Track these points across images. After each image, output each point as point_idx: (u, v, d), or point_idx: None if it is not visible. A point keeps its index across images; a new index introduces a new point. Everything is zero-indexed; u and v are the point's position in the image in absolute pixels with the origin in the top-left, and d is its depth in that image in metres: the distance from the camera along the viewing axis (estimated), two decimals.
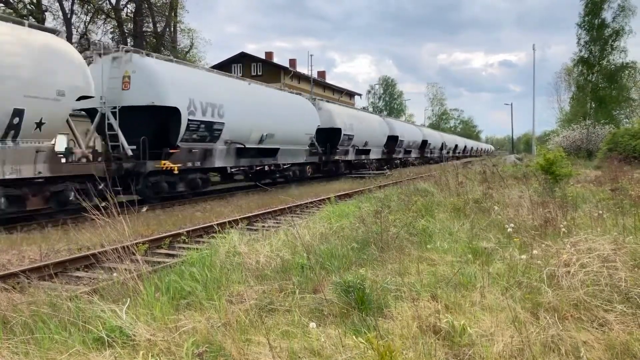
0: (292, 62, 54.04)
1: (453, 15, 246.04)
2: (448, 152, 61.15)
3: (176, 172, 14.18)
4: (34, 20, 26.13)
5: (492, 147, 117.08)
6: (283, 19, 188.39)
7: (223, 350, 3.18)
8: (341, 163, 27.91)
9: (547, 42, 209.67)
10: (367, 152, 31.65)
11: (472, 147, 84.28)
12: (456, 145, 69.26)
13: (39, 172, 10.53)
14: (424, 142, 47.53)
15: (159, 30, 35.37)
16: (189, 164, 14.76)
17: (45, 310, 4.07)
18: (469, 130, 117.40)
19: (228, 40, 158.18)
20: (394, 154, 37.41)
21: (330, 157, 25.97)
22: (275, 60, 52.55)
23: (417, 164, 42.93)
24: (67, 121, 11.53)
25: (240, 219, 10.39)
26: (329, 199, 12.83)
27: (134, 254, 4.99)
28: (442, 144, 57.80)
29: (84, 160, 12.08)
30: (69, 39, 31.04)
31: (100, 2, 34.21)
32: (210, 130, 15.24)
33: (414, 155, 44.63)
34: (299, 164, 22.63)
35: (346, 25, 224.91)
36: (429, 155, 50.15)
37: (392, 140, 35.99)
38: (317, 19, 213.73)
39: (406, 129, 42.64)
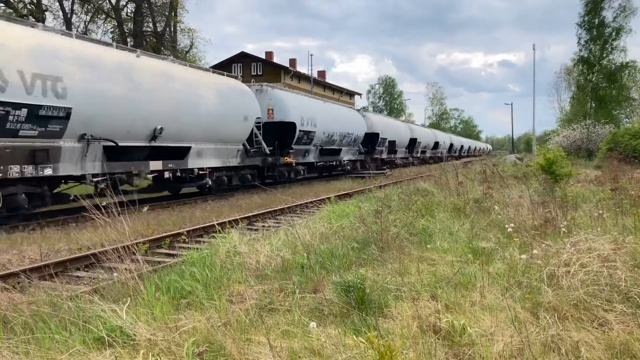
0: (292, 61, 54.03)
1: (451, 15, 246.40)
2: (442, 153, 55.47)
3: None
4: (34, 20, 26.15)
5: (490, 147, 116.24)
6: (282, 19, 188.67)
7: (223, 349, 3.18)
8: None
9: (546, 42, 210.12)
10: (337, 152, 26.49)
11: (469, 147, 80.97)
12: (451, 145, 62.92)
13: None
14: (413, 141, 41.67)
15: (159, 30, 35.36)
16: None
17: (46, 310, 4.07)
18: (469, 130, 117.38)
19: (227, 40, 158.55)
20: (374, 154, 32.07)
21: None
22: (275, 60, 52.56)
23: (403, 165, 37.75)
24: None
25: (240, 218, 10.40)
26: (329, 198, 12.84)
27: (134, 254, 4.99)
28: (436, 143, 52.35)
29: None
30: None
31: (100, 2, 34.22)
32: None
33: (428, 154, 43.81)
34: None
35: (345, 25, 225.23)
36: (418, 155, 44.76)
37: (372, 138, 31.27)
38: (316, 19, 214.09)
39: (390, 125, 36.72)
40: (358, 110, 32.31)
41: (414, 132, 42.63)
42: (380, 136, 32.13)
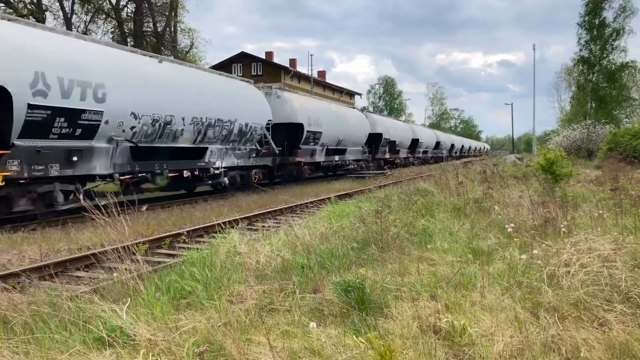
0: (292, 62, 54.08)
1: (451, 15, 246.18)
2: (423, 153, 51.32)
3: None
4: (34, 20, 26.15)
5: (488, 146, 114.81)
6: (281, 19, 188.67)
7: (223, 350, 3.18)
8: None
9: (545, 42, 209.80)
10: (342, 151, 25.41)
11: (463, 146, 73.06)
12: (452, 145, 60.96)
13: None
14: (415, 141, 41.16)
15: (159, 30, 35.38)
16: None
17: (46, 310, 4.07)
18: (469, 130, 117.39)
19: (227, 41, 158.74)
20: (377, 154, 31.52)
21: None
22: (275, 60, 52.60)
23: (406, 165, 36.45)
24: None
25: (240, 218, 10.39)
26: (329, 198, 12.85)
27: (134, 254, 4.99)
28: (437, 143, 51.15)
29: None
30: None
31: (100, 2, 34.24)
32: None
33: (402, 155, 38.27)
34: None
35: (344, 25, 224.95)
36: (419, 155, 43.80)
37: (375, 139, 30.57)
38: (315, 19, 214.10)
39: (392, 126, 35.82)
40: (363, 111, 26.93)
41: (417, 132, 36.42)
42: (383, 136, 27.25)
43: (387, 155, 33.60)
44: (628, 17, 38.22)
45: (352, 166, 27.29)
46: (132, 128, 12.36)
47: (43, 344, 3.35)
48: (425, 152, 45.31)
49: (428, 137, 47.21)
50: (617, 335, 3.24)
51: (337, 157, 25.33)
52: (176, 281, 4.69)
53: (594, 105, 40.53)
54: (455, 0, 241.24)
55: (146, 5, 33.90)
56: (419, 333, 3.32)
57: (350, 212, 9.49)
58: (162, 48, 33.63)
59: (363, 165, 28.93)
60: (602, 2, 38.61)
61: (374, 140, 30.25)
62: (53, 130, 10.40)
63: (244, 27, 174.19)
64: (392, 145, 34.33)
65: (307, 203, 14.15)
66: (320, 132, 22.27)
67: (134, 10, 34.49)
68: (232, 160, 16.91)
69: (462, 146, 71.93)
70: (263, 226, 10.27)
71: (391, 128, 34.14)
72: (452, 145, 61.13)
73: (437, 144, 50.93)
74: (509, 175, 14.91)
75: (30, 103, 9.74)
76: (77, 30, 32.91)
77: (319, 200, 14.65)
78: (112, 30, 35.73)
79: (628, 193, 8.46)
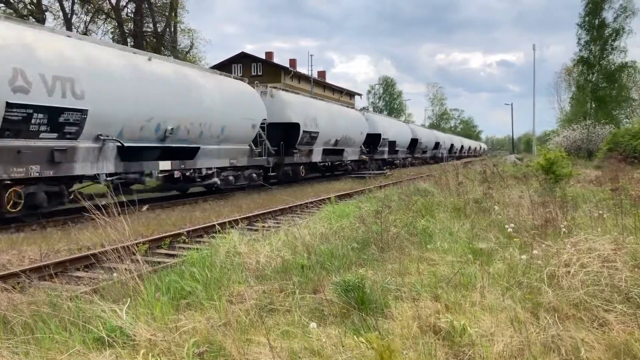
0: (292, 62, 54.09)
1: (450, 15, 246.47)
2: (442, 153, 51.26)
3: None
4: (34, 20, 26.16)
5: (485, 146, 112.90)
6: (280, 19, 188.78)
7: (223, 350, 3.18)
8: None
9: (545, 42, 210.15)
10: (340, 152, 23.58)
11: (462, 146, 68.81)
12: (437, 144, 51.18)
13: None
14: (414, 141, 38.47)
15: (159, 30, 35.38)
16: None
17: (46, 310, 4.07)
18: (469, 130, 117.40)
19: (226, 41, 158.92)
20: (375, 154, 30.11)
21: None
22: (275, 60, 52.59)
23: (407, 165, 35.24)
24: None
25: (240, 219, 10.39)
26: (329, 199, 12.84)
27: (134, 254, 4.99)
28: (436, 143, 49.24)
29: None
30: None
31: (100, 2, 34.24)
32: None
33: (401, 155, 35.78)
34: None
35: (344, 25, 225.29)
36: (419, 155, 41.20)
37: (374, 139, 29.42)
38: (315, 19, 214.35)
39: (391, 126, 34.13)
40: (361, 111, 27.82)
41: (416, 132, 35.02)
42: (382, 137, 29.81)
43: (317, 158, 22.53)
44: (628, 17, 38.27)
45: (219, 179, 15.86)
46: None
47: (43, 344, 3.35)
48: (393, 152, 34.80)
49: (399, 132, 36.14)
50: (617, 336, 3.24)
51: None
52: (176, 281, 4.68)
53: (593, 105, 40.54)
54: (454, 1, 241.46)
55: (146, 5, 33.89)
56: (419, 333, 3.32)
57: (350, 212, 9.48)
58: (162, 48, 33.64)
59: (254, 175, 17.78)
60: (602, 2, 38.62)
61: (289, 135, 20.41)
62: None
63: (243, 27, 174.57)
64: (327, 144, 23.39)
65: (307, 203, 14.14)
66: (422, 142, 17.02)
67: (133, 10, 34.48)
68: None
69: (452, 145, 60.86)
70: (263, 226, 10.27)
71: (321, 117, 22.32)
72: (437, 144, 50.28)
73: (414, 142, 39.40)
74: (509, 176, 14.90)
75: None
76: (77, 31, 32.91)
77: (319, 200, 14.66)
78: (112, 30, 35.76)
79: (628, 193, 8.45)
